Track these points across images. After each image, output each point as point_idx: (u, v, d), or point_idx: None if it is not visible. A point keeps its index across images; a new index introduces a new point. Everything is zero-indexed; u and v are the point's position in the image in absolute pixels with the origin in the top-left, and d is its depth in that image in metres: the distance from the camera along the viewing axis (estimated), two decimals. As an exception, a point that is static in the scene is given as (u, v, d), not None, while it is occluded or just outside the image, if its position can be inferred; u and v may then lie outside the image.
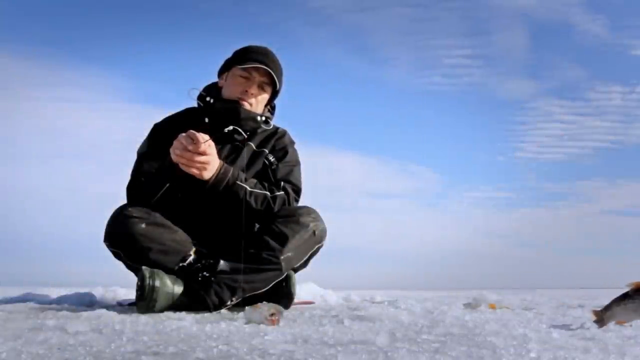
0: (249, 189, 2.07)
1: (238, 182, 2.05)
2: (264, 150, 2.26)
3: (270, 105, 2.36)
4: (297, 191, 2.22)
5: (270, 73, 2.19)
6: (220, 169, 2.02)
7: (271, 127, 2.34)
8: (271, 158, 2.25)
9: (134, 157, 2.24)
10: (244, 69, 2.19)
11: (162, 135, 2.16)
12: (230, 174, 2.04)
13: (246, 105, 2.20)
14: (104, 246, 2.05)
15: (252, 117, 2.21)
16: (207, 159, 1.94)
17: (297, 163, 2.32)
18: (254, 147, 2.25)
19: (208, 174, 1.98)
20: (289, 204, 2.16)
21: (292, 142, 2.37)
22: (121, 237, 1.99)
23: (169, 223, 2.03)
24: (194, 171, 1.95)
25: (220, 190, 2.03)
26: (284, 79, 2.31)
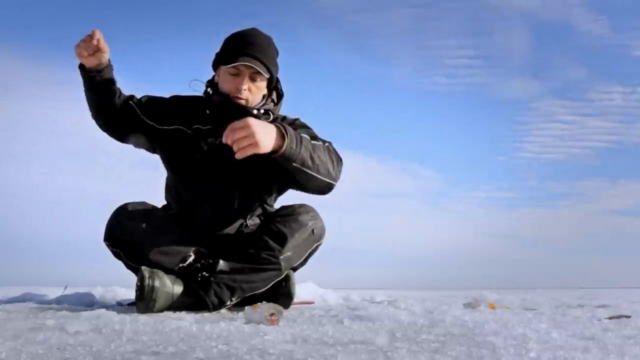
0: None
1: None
2: None
3: (277, 93, 2.23)
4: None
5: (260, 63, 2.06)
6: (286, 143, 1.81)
7: (271, 118, 2.14)
8: None
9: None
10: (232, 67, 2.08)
11: (161, 101, 2.19)
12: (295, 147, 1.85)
13: (242, 102, 2.08)
14: (103, 246, 2.05)
15: (247, 111, 2.06)
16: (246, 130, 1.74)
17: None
18: None
19: (266, 144, 1.78)
20: (337, 159, 2.05)
21: (305, 125, 2.20)
22: (121, 236, 1.99)
23: (169, 223, 2.03)
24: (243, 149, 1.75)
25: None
26: (278, 61, 2.17)
